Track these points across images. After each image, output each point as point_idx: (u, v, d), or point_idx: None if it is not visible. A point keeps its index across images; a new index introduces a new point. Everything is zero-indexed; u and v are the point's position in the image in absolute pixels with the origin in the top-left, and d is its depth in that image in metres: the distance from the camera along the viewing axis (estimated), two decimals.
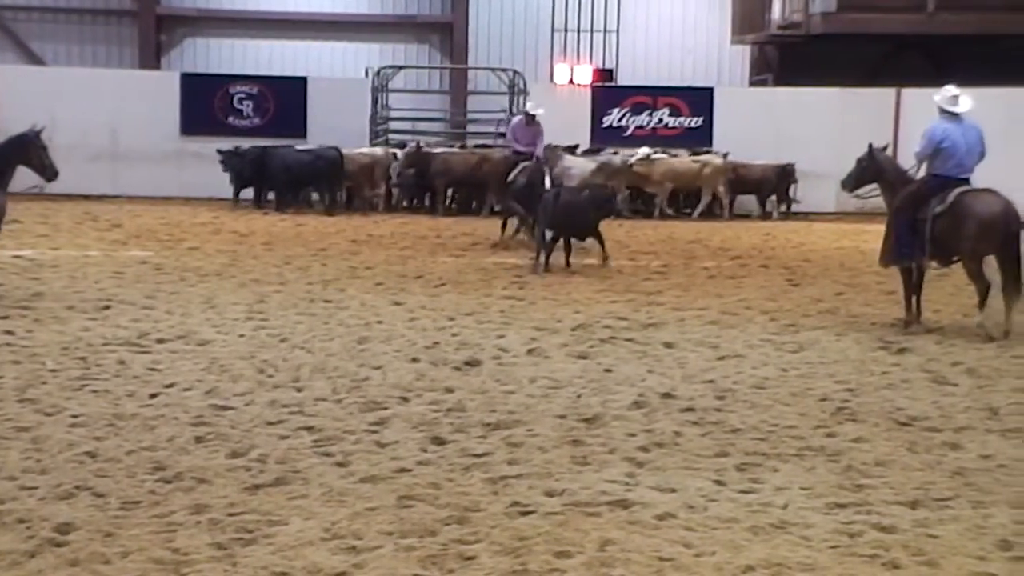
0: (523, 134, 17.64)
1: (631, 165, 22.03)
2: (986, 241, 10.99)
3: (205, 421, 7.51)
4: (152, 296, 12.21)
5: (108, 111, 23.72)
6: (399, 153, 22.50)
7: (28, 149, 12.28)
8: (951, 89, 11.42)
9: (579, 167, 20.56)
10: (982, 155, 11.33)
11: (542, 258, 14.70)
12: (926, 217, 11.15)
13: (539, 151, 17.41)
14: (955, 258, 11.36)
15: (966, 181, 11.23)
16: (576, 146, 22.10)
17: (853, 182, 12.26)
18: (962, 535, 5.73)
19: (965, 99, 11.31)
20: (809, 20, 26.06)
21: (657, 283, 14.15)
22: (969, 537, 5.70)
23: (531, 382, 8.79)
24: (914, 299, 11.52)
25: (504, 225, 17.69)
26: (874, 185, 12.00)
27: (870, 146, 12.12)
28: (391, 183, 22.54)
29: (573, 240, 15.09)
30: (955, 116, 11.24)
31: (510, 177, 17.10)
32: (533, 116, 17.69)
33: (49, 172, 12.52)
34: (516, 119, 18.20)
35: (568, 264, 14.86)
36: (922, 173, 11.49)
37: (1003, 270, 11.03)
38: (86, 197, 21.84)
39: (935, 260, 11.42)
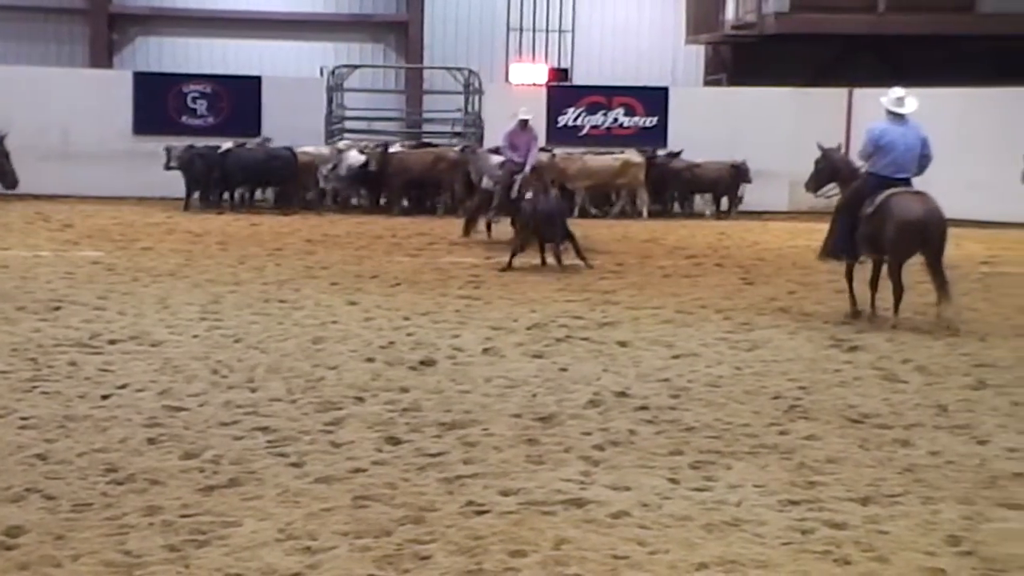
0: (518, 141, 17.29)
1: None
2: (905, 243, 11.19)
3: (158, 422, 7.46)
4: (104, 297, 12.11)
5: (60, 110, 23.50)
6: (349, 152, 22.49)
7: None
8: (898, 91, 11.66)
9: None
10: (928, 157, 11.51)
11: (513, 260, 14.87)
12: (859, 216, 11.39)
13: (530, 159, 17.15)
14: (872, 258, 11.64)
15: (905, 181, 11.44)
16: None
17: (813, 184, 12.65)
18: (912, 531, 5.79)
19: (911, 101, 11.53)
20: (763, 20, 26.25)
21: (612, 282, 14.19)
22: (919, 533, 5.77)
23: (487, 381, 8.80)
24: (868, 293, 11.72)
25: (473, 222, 17.74)
26: (834, 184, 12.26)
27: (820, 146, 12.37)
28: (320, 183, 22.44)
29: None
30: (899, 117, 11.47)
31: (514, 191, 16.48)
32: (526, 122, 17.50)
33: (9, 179, 12.44)
34: (509, 127, 17.79)
35: (560, 263, 14.92)
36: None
37: (929, 272, 11.28)
38: (37, 197, 21.58)
39: (867, 257, 11.71)
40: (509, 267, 14.79)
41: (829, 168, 12.38)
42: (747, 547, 5.52)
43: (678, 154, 23.51)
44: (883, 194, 11.30)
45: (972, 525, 5.89)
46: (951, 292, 11.34)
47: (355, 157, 22.19)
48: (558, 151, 22.89)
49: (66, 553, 5.29)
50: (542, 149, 22.61)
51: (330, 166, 22.08)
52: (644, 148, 23.57)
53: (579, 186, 22.39)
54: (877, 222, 11.32)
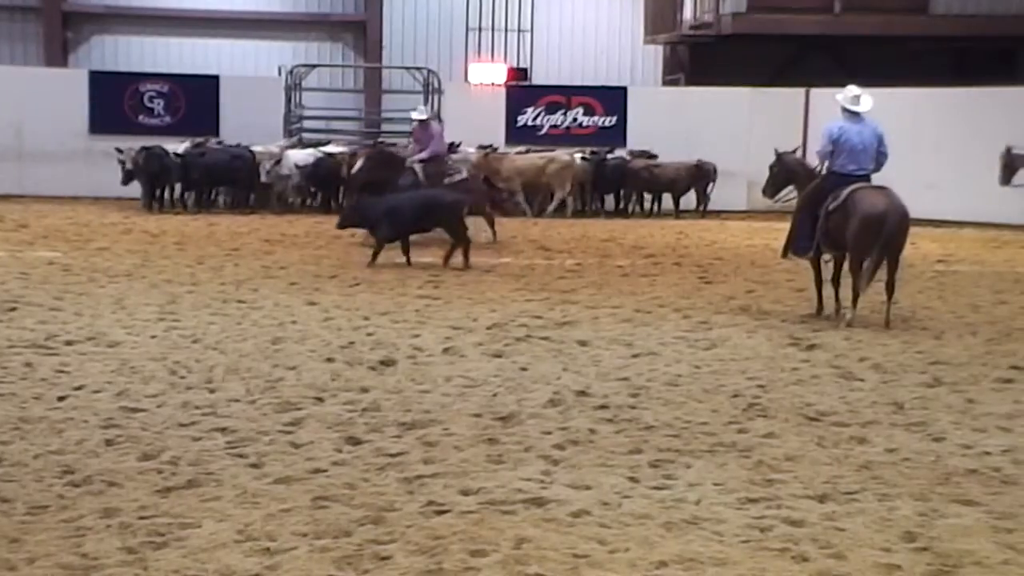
0: (421, 136, 17.95)
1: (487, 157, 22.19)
2: (868, 238, 11.26)
3: (115, 423, 7.40)
4: (60, 297, 12.00)
5: (13, 109, 23.27)
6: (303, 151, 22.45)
7: None
8: (853, 89, 11.81)
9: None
10: (884, 155, 11.63)
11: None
12: (821, 214, 11.49)
13: (427, 152, 17.58)
14: (835, 255, 11.77)
15: (864, 178, 11.56)
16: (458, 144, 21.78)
17: (771, 189, 12.79)
18: (868, 527, 5.84)
19: (866, 99, 11.68)
20: (720, 20, 26.40)
21: (571, 281, 14.23)
22: (875, 529, 5.82)
23: (446, 381, 8.79)
24: (831, 291, 11.85)
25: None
26: (791, 188, 12.41)
27: (776, 151, 12.54)
28: (262, 181, 22.34)
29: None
30: (855, 115, 11.61)
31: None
32: (424, 121, 18.14)
33: None
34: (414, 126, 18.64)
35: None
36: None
37: (886, 266, 11.39)
38: None
39: (829, 254, 11.82)
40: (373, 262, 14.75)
41: (785, 172, 12.54)
42: (706, 545, 5.55)
43: (654, 156, 23.53)
44: (846, 189, 11.40)
45: (927, 521, 5.94)
46: (897, 290, 11.50)
47: (300, 156, 22.12)
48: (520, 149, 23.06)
49: (22, 556, 5.23)
50: (484, 147, 22.78)
51: (271, 163, 21.94)
52: (595, 149, 23.64)
53: (512, 185, 22.49)
54: (839, 218, 11.39)
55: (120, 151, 21.48)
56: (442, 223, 15.13)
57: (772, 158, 12.80)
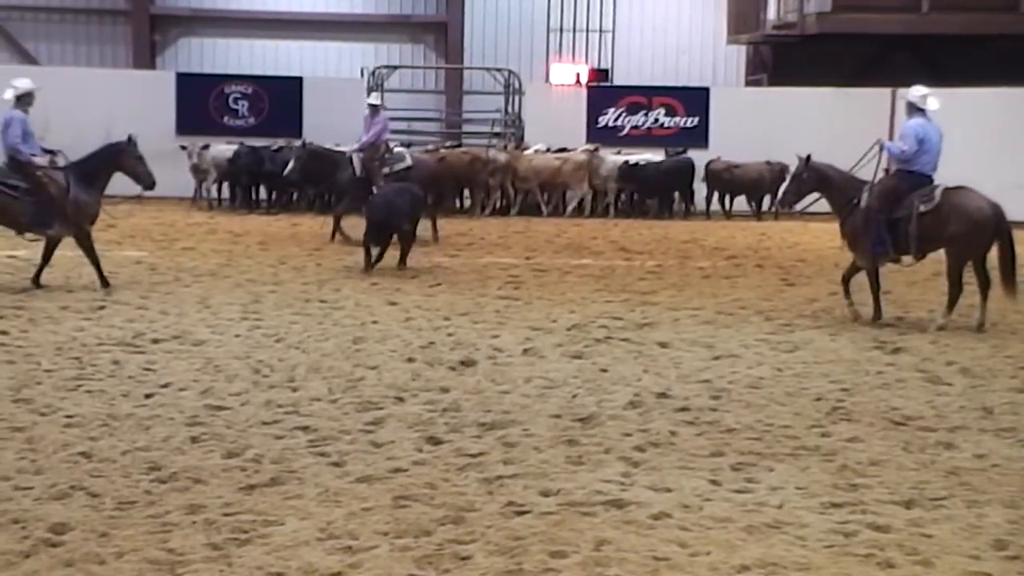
0: (368, 124, 18.06)
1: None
2: (977, 242, 11.07)
3: (200, 421, 7.51)
4: (147, 296, 12.21)
5: (102, 111, 23.66)
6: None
7: (121, 157, 12.95)
8: (921, 88, 11.64)
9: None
10: (939, 155, 11.48)
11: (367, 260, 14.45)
12: (908, 215, 11.25)
13: (368, 138, 17.71)
14: (923, 255, 11.51)
15: (931, 179, 11.36)
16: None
17: (794, 196, 12.31)
18: (956, 534, 5.74)
19: (933, 100, 11.53)
20: (804, 20, 26.11)
21: (652, 283, 14.15)
22: (963, 536, 5.71)
23: (526, 382, 8.79)
24: (875, 294, 11.70)
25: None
26: (813, 196, 12.06)
27: (806, 157, 12.03)
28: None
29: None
30: (922, 112, 11.46)
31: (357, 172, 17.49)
32: (375, 107, 18.31)
33: (145, 180, 13.12)
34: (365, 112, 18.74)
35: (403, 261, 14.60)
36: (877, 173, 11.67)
37: (1000, 264, 11.15)
38: None
39: (913, 256, 11.57)
40: (367, 269, 14.28)
41: (815, 178, 12.02)
42: (788, 549, 5.49)
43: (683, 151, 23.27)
44: (937, 191, 11.22)
45: (1018, 529, 5.82)
46: (1016, 287, 11.19)
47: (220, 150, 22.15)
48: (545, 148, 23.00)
49: (110, 550, 5.33)
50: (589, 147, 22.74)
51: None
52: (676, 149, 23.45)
53: (528, 184, 22.43)
54: (934, 219, 11.16)
55: (184, 147, 21.89)
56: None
57: (856, 159, 12.35)
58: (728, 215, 23.19)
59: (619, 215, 22.75)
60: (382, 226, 14.21)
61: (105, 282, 12.54)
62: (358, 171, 17.43)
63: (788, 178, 12.34)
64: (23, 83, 12.78)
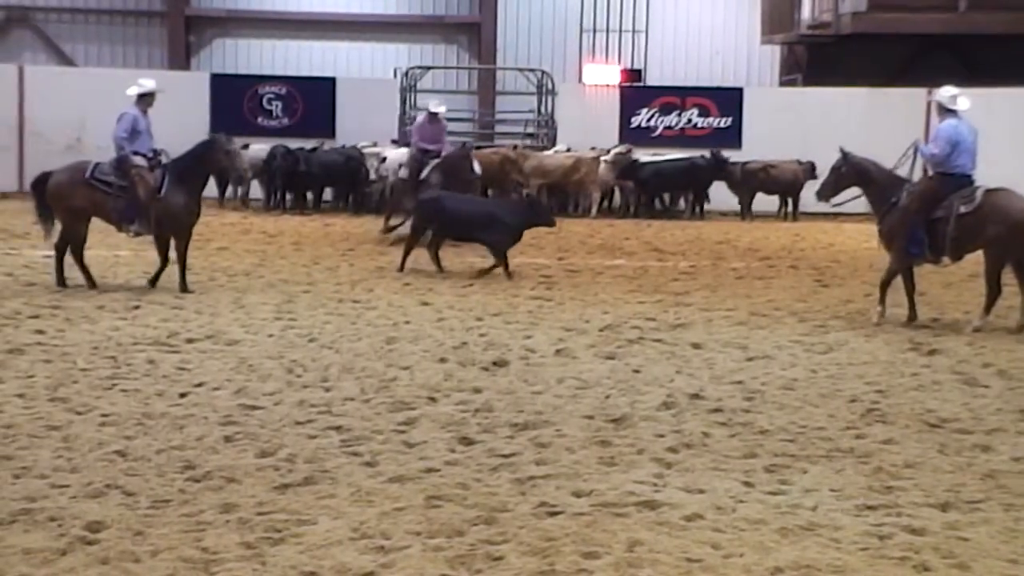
0: (426, 132, 17.73)
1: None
2: (1018, 243, 10.98)
3: (234, 420, 7.54)
4: (181, 296, 12.27)
5: None
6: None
7: (211, 153, 12.98)
8: (951, 89, 11.53)
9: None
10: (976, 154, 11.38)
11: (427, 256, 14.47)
12: (947, 216, 11.16)
13: (444, 148, 17.59)
14: (960, 257, 11.43)
15: (972, 179, 11.27)
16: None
17: (830, 190, 12.15)
18: (993, 538, 5.68)
19: (963, 99, 11.42)
20: (839, 20, 25.97)
21: (685, 284, 14.12)
22: (1001, 540, 5.66)
23: (559, 382, 8.78)
24: (907, 298, 11.62)
25: (388, 218, 17.84)
26: (850, 191, 11.96)
27: (844, 151, 11.96)
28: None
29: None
30: (954, 113, 11.36)
31: (423, 175, 17.16)
32: (435, 114, 17.88)
33: (231, 174, 13.44)
34: (420, 117, 18.46)
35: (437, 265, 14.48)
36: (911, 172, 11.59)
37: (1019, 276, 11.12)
38: None
39: (950, 258, 11.47)
40: (402, 268, 14.32)
41: (854, 172, 11.88)
42: (823, 552, 5.46)
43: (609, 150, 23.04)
44: (977, 192, 11.14)
45: None
46: None
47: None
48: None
49: (145, 549, 5.36)
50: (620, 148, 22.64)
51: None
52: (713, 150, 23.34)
53: (535, 183, 22.21)
54: (973, 221, 11.08)
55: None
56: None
57: (893, 159, 12.26)
58: (744, 217, 22.93)
59: (613, 215, 22.54)
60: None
61: (185, 287, 12.53)
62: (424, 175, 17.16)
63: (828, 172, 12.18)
64: (147, 83, 13.18)
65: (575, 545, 5.46)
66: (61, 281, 12.58)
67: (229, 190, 22.17)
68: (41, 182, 12.74)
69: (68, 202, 12.54)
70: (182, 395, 8.17)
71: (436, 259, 14.38)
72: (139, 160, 12.64)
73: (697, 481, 6.47)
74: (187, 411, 7.74)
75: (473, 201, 15.51)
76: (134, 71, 27.44)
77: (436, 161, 17.29)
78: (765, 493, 6.30)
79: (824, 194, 12.22)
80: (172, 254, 12.75)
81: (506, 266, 14.06)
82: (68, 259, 12.63)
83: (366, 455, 6.85)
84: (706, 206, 23.26)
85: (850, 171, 11.92)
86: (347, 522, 5.73)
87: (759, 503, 6.13)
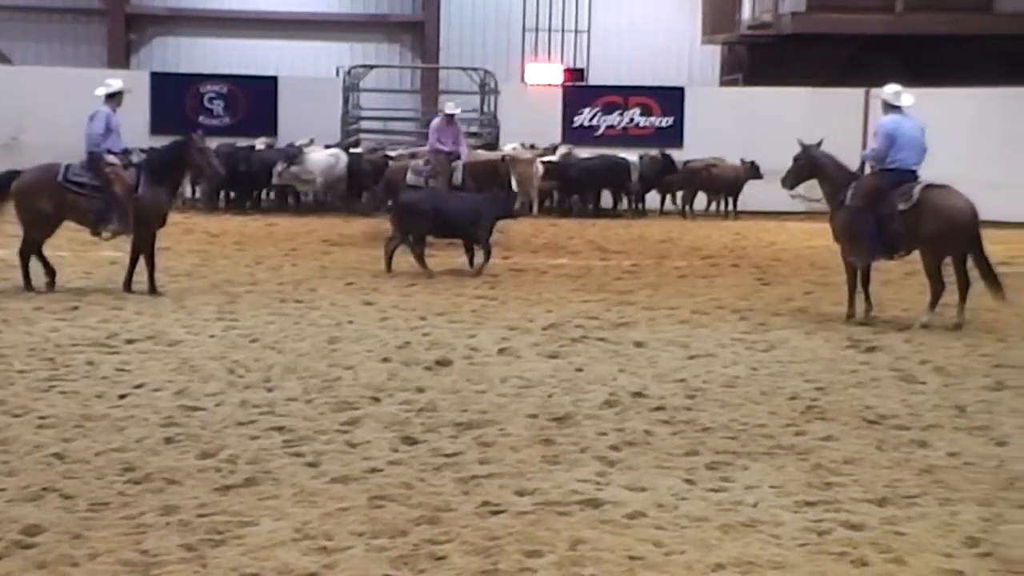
0: (444, 134, 17.62)
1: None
2: (954, 238, 11.15)
3: (175, 422, 7.47)
4: (122, 296, 12.14)
5: (77, 110, 23.36)
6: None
7: (186, 151, 12.81)
8: (894, 86, 11.74)
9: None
10: (925, 149, 11.58)
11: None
12: (891, 212, 11.31)
13: (462, 150, 17.54)
14: (909, 252, 11.63)
15: (915, 174, 11.44)
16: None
17: (792, 179, 12.45)
18: (930, 532, 5.76)
19: (907, 96, 11.64)
20: (779, 20, 26.22)
21: (628, 282, 14.18)
22: (937, 534, 5.74)
23: (502, 382, 8.79)
24: (863, 292, 11.74)
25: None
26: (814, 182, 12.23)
27: (802, 143, 12.27)
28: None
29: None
30: (898, 110, 11.57)
31: (455, 179, 17.07)
32: (452, 116, 17.82)
33: (207, 171, 13.30)
34: (435, 120, 18.38)
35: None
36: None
37: (978, 267, 11.27)
38: None
39: (903, 252, 11.69)
40: (388, 268, 14.27)
41: (811, 165, 12.15)
42: (764, 548, 5.51)
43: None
44: (915, 188, 11.30)
45: (991, 527, 5.85)
46: (1003, 285, 11.32)
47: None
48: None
49: (83, 552, 5.30)
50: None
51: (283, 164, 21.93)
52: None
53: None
54: (914, 217, 11.23)
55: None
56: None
57: (795, 153, 12.48)
58: (686, 216, 23.07)
59: (544, 213, 22.57)
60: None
61: (154, 288, 12.35)
62: (457, 179, 17.02)
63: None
64: (115, 83, 13.01)
65: (518, 544, 5.47)
66: (52, 283, 12.42)
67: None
68: (7, 181, 12.45)
69: (34, 204, 12.30)
70: (122, 396, 8.09)
71: (422, 260, 14.22)
72: (111, 159, 12.50)
73: (640, 479, 6.50)
74: (127, 413, 7.66)
75: (456, 198, 15.48)
76: (73, 69, 27.15)
77: (460, 162, 17.20)
78: (707, 490, 6.34)
79: (787, 182, 12.55)
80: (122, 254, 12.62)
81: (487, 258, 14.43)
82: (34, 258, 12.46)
83: (309, 455, 6.82)
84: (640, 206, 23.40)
85: (807, 163, 12.22)
86: (290, 523, 5.70)
87: (701, 500, 6.17)
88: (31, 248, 12.46)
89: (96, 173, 12.40)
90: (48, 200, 12.28)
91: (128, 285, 12.44)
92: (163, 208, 12.72)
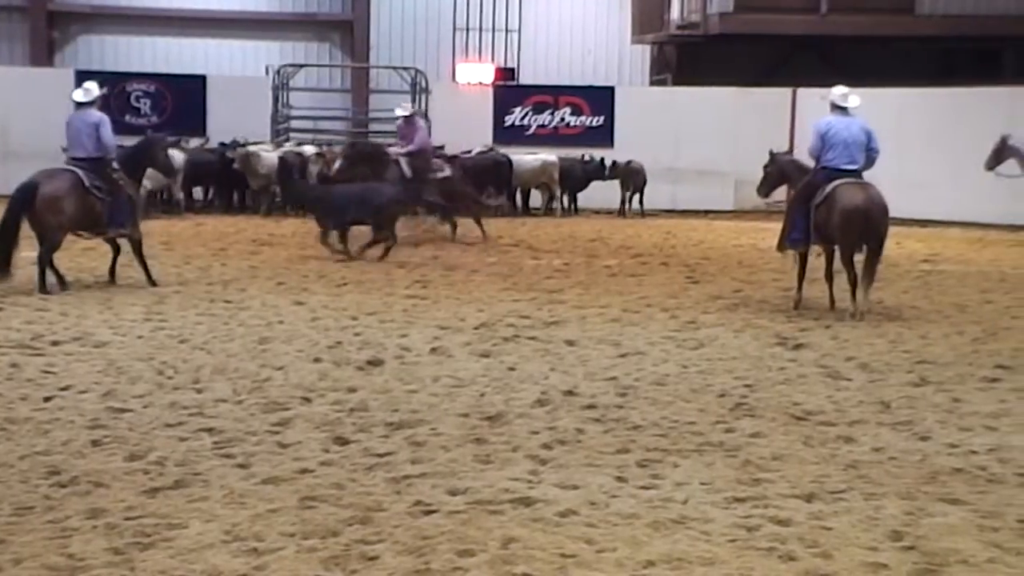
0: (403, 133, 18.32)
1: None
2: (850, 232, 11.59)
3: (102, 424, 7.38)
4: (46, 297, 11.97)
5: None
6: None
7: (154, 150, 13.62)
8: (842, 88, 12.19)
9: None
10: (875, 151, 11.91)
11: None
12: (814, 206, 11.75)
13: (414, 146, 17.83)
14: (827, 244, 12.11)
15: (854, 173, 11.80)
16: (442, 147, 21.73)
17: (765, 188, 13.35)
18: (855, 526, 5.85)
19: (854, 97, 12.04)
20: (707, 20, 26.44)
21: (559, 281, 14.23)
22: (862, 528, 5.83)
23: (434, 381, 8.79)
24: (826, 287, 12.20)
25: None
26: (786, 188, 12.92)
27: (771, 151, 13.02)
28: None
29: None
30: (843, 111, 11.94)
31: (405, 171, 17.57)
32: (409, 116, 18.50)
33: (169, 171, 14.61)
34: (420, 124, 19.07)
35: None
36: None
37: (865, 261, 11.72)
38: None
39: (820, 247, 12.19)
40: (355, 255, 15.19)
41: (778, 172, 13.01)
42: (693, 544, 5.56)
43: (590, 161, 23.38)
44: (831, 184, 11.69)
45: (914, 520, 5.96)
46: (871, 286, 11.78)
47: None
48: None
49: (7, 557, 5.22)
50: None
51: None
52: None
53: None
54: (824, 212, 11.72)
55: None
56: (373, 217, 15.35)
57: (760, 158, 13.38)
58: (624, 214, 23.21)
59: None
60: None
61: (151, 279, 12.95)
62: (407, 172, 17.37)
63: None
64: (93, 87, 13.50)
65: (450, 543, 5.48)
66: (65, 284, 12.63)
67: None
68: (28, 191, 12.36)
69: (64, 211, 12.44)
70: (47, 399, 7.97)
71: (345, 248, 15.25)
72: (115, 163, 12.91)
73: (571, 477, 6.53)
74: (52, 415, 7.56)
75: (356, 187, 16.03)
76: None
77: (394, 150, 17.89)
78: (637, 488, 6.39)
79: (761, 191, 13.43)
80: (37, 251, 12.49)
81: (393, 240, 15.28)
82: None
83: (239, 457, 6.77)
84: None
85: (775, 170, 13.09)
86: (219, 525, 5.66)
87: (632, 498, 6.22)
88: (42, 250, 12.54)
89: (103, 178, 12.64)
90: (76, 206, 12.49)
91: (150, 279, 12.95)
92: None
